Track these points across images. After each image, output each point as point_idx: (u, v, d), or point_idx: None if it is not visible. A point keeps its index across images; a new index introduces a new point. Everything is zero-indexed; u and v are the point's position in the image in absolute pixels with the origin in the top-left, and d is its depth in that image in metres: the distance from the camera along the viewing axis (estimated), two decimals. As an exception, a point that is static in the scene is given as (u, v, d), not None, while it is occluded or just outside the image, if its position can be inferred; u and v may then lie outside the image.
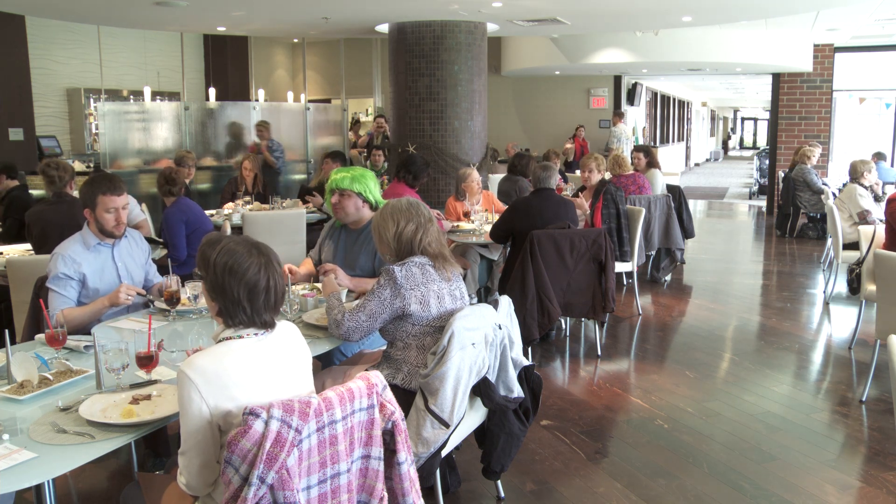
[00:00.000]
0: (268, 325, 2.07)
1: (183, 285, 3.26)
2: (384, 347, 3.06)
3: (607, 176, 7.74)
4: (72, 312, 3.06)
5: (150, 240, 4.26)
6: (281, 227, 6.28)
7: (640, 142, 16.19)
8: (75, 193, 4.79)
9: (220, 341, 2.03)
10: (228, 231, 5.62)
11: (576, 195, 6.57)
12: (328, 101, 14.36)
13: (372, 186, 3.72)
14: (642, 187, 6.99)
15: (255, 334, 2.04)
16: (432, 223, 2.92)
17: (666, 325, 5.93)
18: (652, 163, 8.08)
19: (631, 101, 15.86)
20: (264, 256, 2.07)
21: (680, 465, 3.51)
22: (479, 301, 5.93)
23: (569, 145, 13.62)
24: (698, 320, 6.07)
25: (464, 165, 8.13)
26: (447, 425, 2.60)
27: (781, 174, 10.79)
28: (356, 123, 10.72)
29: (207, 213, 6.01)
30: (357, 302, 2.90)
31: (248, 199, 7.14)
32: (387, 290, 2.76)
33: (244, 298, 2.02)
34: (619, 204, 5.82)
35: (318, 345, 2.86)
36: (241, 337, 2.02)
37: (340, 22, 9.26)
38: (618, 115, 13.62)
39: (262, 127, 9.24)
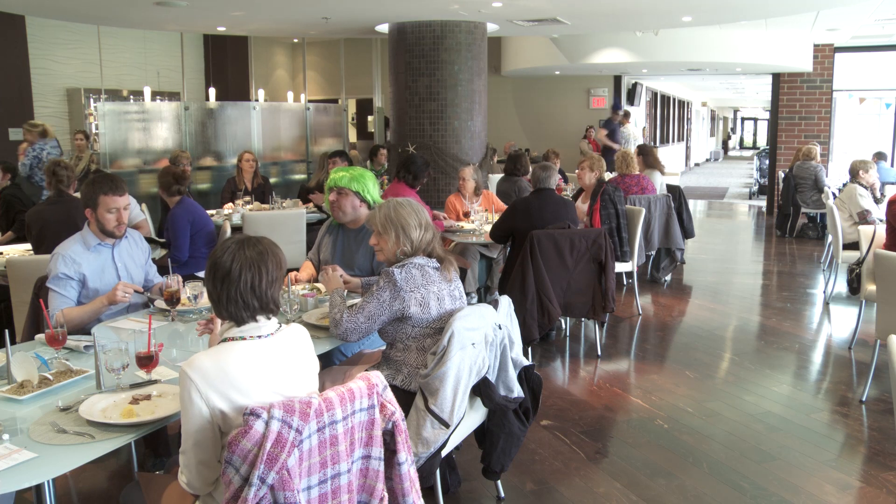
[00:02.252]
0: (238, 321, 2.03)
1: (183, 285, 3.26)
2: (384, 347, 3.06)
3: (608, 175, 7.74)
4: (71, 312, 3.06)
5: (149, 240, 4.26)
6: (281, 227, 6.28)
7: (640, 141, 16.18)
8: (78, 194, 4.80)
9: (223, 341, 2.03)
10: (228, 231, 5.62)
11: (576, 196, 6.54)
12: (334, 101, 14.34)
13: (370, 187, 3.73)
14: (645, 189, 6.98)
15: (259, 336, 2.03)
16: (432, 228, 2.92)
17: (666, 325, 5.93)
18: (651, 164, 8.04)
19: (631, 101, 15.85)
20: (250, 251, 2.02)
21: (680, 465, 3.51)
22: (479, 300, 5.94)
23: (586, 146, 13.64)
24: (698, 320, 6.07)
25: (464, 165, 8.14)
26: (447, 425, 2.60)
27: (781, 174, 10.78)
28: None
29: (207, 212, 6.01)
30: (357, 302, 2.90)
31: (248, 199, 7.14)
32: (386, 293, 2.75)
33: (213, 286, 2.01)
34: (618, 204, 5.82)
35: (318, 345, 2.86)
36: (243, 338, 2.01)
37: (340, 22, 9.26)
38: (625, 115, 13.57)
39: (27, 129, 7.72)
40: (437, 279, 2.82)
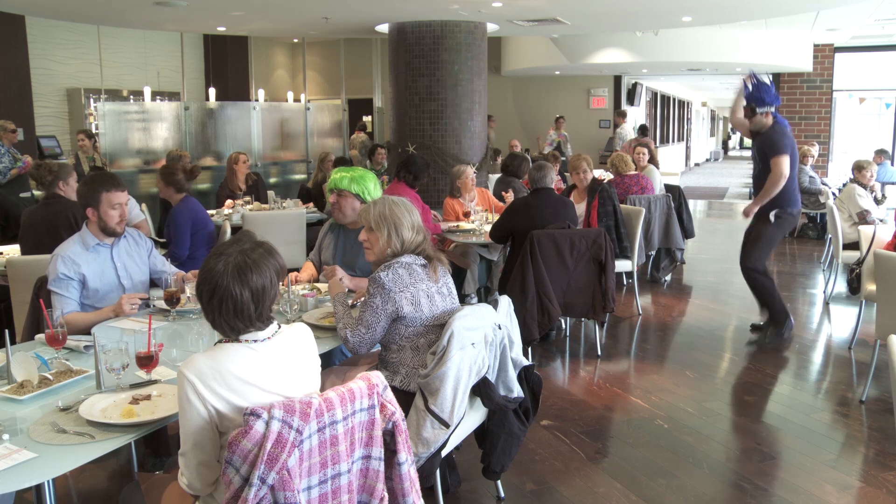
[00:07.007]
0: (227, 334, 1.98)
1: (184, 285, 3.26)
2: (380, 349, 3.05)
3: (608, 175, 7.73)
4: (76, 318, 3.07)
5: (149, 239, 4.26)
6: (281, 227, 6.28)
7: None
8: (72, 192, 4.73)
9: (218, 342, 2.02)
10: (228, 231, 5.61)
11: (567, 193, 6.50)
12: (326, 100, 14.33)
13: (371, 188, 3.74)
14: (645, 188, 6.98)
15: (255, 341, 2.01)
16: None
17: (666, 325, 5.93)
18: (652, 159, 8.04)
19: (631, 101, 15.86)
20: (240, 261, 1.95)
21: (680, 465, 3.51)
22: (479, 301, 5.93)
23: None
24: (698, 320, 6.07)
25: (462, 164, 8.12)
26: (447, 425, 2.60)
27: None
28: None
29: (207, 212, 6.00)
30: (355, 315, 2.88)
31: (247, 199, 7.12)
32: (377, 298, 2.74)
33: (204, 300, 1.97)
34: (615, 201, 5.83)
35: (318, 345, 2.85)
36: (239, 342, 2.00)
37: (340, 22, 9.26)
38: (620, 115, 13.52)
39: None
40: (425, 277, 2.82)
